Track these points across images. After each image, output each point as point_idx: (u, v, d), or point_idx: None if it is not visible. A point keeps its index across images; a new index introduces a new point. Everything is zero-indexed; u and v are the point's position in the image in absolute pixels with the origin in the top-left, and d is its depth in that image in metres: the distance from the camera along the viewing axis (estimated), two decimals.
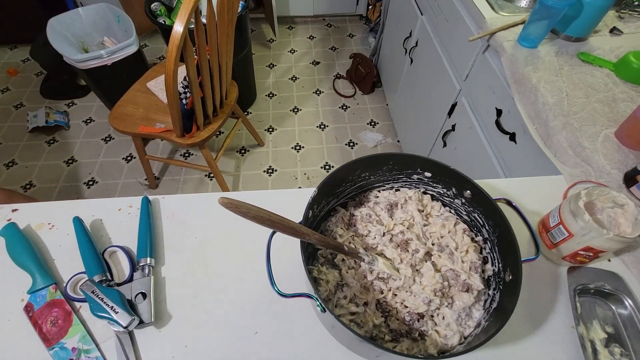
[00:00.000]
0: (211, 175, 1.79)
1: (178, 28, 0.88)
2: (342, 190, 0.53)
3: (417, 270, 0.48)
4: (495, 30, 0.89)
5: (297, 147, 1.89)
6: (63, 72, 1.98)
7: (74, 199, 1.67)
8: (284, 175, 1.79)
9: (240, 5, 1.48)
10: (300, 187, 1.74)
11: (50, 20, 1.56)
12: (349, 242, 0.50)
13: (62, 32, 1.60)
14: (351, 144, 1.91)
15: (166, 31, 1.49)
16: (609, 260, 0.55)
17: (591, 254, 0.49)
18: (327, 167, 1.83)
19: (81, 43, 1.69)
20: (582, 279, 0.51)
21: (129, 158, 1.83)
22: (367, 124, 2.00)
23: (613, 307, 0.50)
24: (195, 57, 1.06)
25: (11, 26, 2.18)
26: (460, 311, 0.46)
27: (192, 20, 0.91)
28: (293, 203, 0.59)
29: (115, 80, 1.62)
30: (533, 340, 0.47)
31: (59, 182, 1.73)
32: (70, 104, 2.04)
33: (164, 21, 1.53)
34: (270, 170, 1.80)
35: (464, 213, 0.53)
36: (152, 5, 1.53)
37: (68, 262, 0.53)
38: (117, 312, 0.46)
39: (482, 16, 0.94)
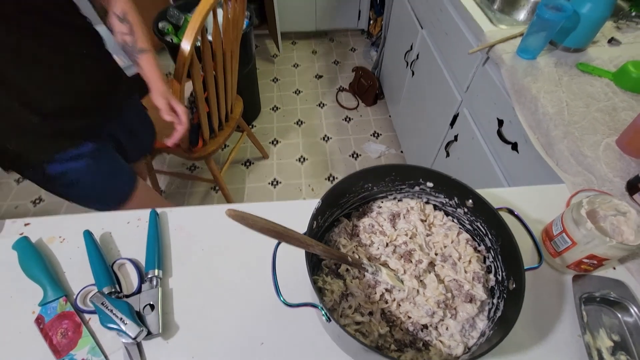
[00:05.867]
0: (217, 187, 1.81)
1: (185, 46, 0.91)
2: (345, 201, 0.54)
3: (421, 281, 0.49)
4: (494, 43, 0.91)
5: (301, 159, 1.91)
6: None
7: (82, 213, 1.69)
8: (288, 187, 1.80)
9: (244, 23, 1.53)
10: (304, 199, 1.75)
11: None
12: (353, 252, 0.51)
13: None
14: (355, 156, 1.93)
15: (173, 49, 1.53)
16: (614, 268, 0.55)
17: (595, 262, 0.49)
18: (331, 178, 1.84)
19: None
20: (587, 287, 0.51)
21: None
22: (371, 135, 2.02)
23: (619, 315, 0.50)
24: (202, 73, 1.09)
25: None
26: (464, 322, 0.46)
27: (199, 38, 0.94)
28: (298, 214, 0.59)
29: None
30: (539, 350, 0.47)
31: None
32: None
33: (171, 39, 1.58)
34: (274, 183, 1.82)
35: (467, 222, 0.53)
36: (159, 24, 1.58)
37: (78, 274, 0.55)
38: (126, 324, 0.47)
39: (480, 29, 0.96)
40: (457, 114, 1.18)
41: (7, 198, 1.74)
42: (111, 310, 0.48)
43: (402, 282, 0.48)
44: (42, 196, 1.75)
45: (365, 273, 0.48)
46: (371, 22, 2.46)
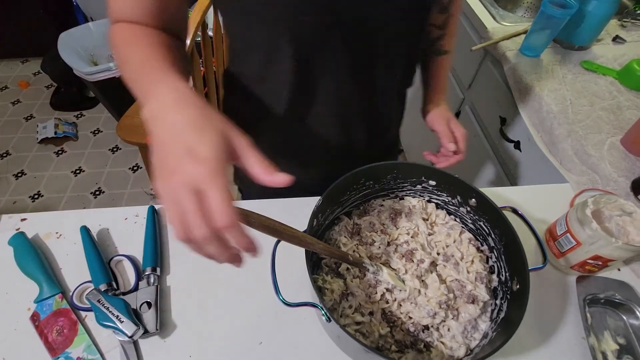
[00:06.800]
0: None
1: (185, 41, 0.89)
2: (346, 199, 0.53)
3: (422, 281, 0.48)
4: (498, 40, 0.90)
5: None
6: (73, 85, 2.02)
7: (81, 208, 1.69)
8: None
9: None
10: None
11: (62, 34, 1.61)
12: (353, 251, 0.50)
13: (73, 46, 1.64)
14: None
15: None
16: (619, 270, 0.54)
17: (600, 263, 0.48)
18: None
19: (91, 56, 1.73)
20: (591, 289, 0.50)
21: (135, 168, 1.85)
22: None
23: (624, 318, 0.49)
24: (202, 68, 1.08)
25: (23, 40, 2.23)
26: (466, 323, 0.45)
27: (199, 33, 0.93)
28: (298, 212, 0.59)
29: (123, 92, 1.64)
30: (542, 352, 0.47)
31: (67, 192, 1.76)
32: (79, 116, 2.08)
33: None
34: None
35: (470, 221, 0.52)
36: None
37: (74, 271, 0.54)
38: (122, 322, 0.46)
39: (484, 26, 0.95)
40: (459, 112, 1.17)
41: (6, 193, 1.73)
42: (107, 308, 0.47)
43: (403, 282, 0.47)
44: (41, 191, 1.75)
45: (366, 272, 0.47)
46: None
